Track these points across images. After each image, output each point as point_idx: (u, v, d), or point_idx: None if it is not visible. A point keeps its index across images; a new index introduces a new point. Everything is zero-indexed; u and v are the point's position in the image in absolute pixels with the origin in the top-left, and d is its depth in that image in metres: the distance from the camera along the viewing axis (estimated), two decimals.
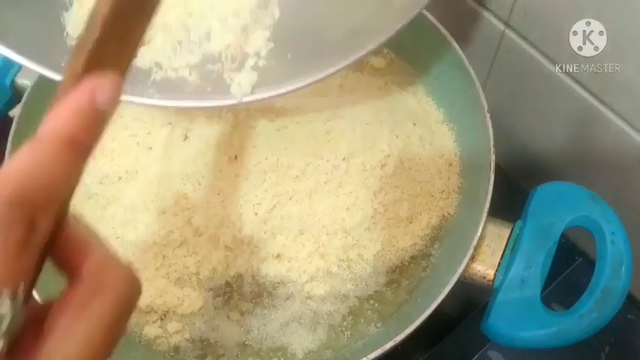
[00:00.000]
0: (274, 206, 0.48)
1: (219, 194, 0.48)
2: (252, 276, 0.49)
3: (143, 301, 0.48)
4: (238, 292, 0.49)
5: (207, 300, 0.49)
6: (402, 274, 0.50)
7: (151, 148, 0.50)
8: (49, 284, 0.25)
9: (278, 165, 0.48)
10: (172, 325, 0.48)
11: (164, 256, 0.48)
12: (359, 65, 0.56)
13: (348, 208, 0.48)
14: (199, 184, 0.48)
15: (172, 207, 0.49)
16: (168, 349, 0.49)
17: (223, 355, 0.48)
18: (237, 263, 0.48)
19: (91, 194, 0.50)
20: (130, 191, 0.49)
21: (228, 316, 0.49)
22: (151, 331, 0.48)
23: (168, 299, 0.48)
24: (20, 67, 0.55)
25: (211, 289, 0.49)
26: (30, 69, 0.53)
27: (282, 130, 0.49)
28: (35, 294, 0.24)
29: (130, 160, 0.50)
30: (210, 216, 0.48)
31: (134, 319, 0.49)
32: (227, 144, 0.49)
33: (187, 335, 0.48)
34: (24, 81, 0.54)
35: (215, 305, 0.49)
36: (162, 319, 0.49)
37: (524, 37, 0.53)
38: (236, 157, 0.49)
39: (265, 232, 0.48)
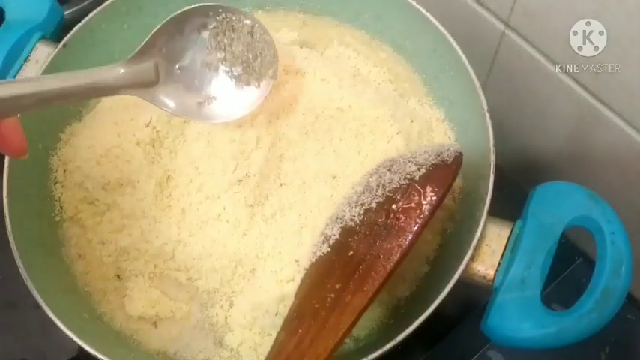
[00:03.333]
0: (275, 218, 0.48)
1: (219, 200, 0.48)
2: (250, 290, 0.48)
3: (135, 311, 0.48)
4: (234, 308, 0.48)
5: (198, 315, 0.48)
6: (402, 274, 0.50)
7: (153, 157, 0.50)
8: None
9: (280, 170, 0.48)
10: (165, 332, 0.49)
11: (155, 265, 0.48)
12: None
13: None
14: (201, 191, 0.48)
15: (168, 214, 0.48)
16: (166, 350, 0.49)
17: None
18: (232, 279, 0.48)
19: (92, 199, 0.50)
20: (129, 198, 0.49)
21: (220, 338, 0.48)
22: (143, 336, 0.49)
23: (160, 310, 0.48)
24: (20, 67, 0.54)
25: (204, 304, 0.48)
26: (30, 68, 0.53)
27: (283, 133, 0.49)
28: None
29: (133, 167, 0.49)
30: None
31: (126, 324, 0.49)
32: (229, 153, 0.48)
33: (178, 346, 0.49)
34: None
35: (207, 321, 0.48)
36: (155, 326, 0.49)
37: (524, 37, 0.53)
38: (237, 164, 0.48)
39: (265, 248, 0.48)
